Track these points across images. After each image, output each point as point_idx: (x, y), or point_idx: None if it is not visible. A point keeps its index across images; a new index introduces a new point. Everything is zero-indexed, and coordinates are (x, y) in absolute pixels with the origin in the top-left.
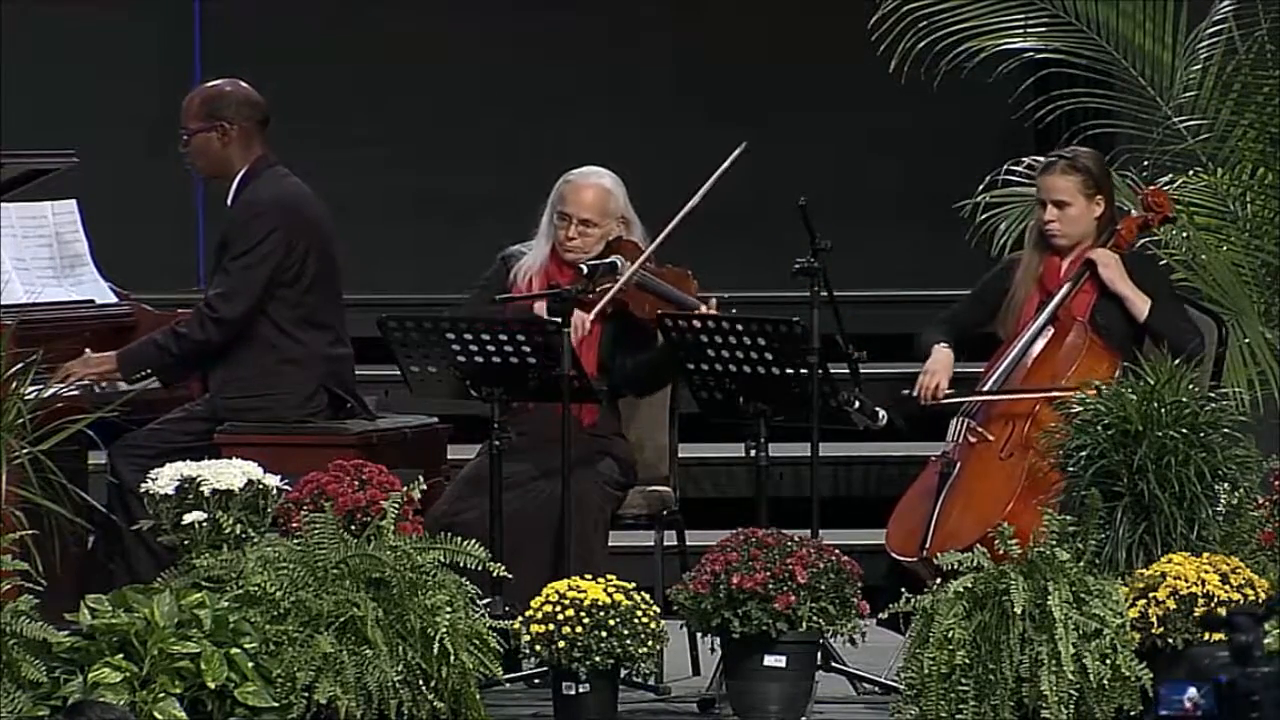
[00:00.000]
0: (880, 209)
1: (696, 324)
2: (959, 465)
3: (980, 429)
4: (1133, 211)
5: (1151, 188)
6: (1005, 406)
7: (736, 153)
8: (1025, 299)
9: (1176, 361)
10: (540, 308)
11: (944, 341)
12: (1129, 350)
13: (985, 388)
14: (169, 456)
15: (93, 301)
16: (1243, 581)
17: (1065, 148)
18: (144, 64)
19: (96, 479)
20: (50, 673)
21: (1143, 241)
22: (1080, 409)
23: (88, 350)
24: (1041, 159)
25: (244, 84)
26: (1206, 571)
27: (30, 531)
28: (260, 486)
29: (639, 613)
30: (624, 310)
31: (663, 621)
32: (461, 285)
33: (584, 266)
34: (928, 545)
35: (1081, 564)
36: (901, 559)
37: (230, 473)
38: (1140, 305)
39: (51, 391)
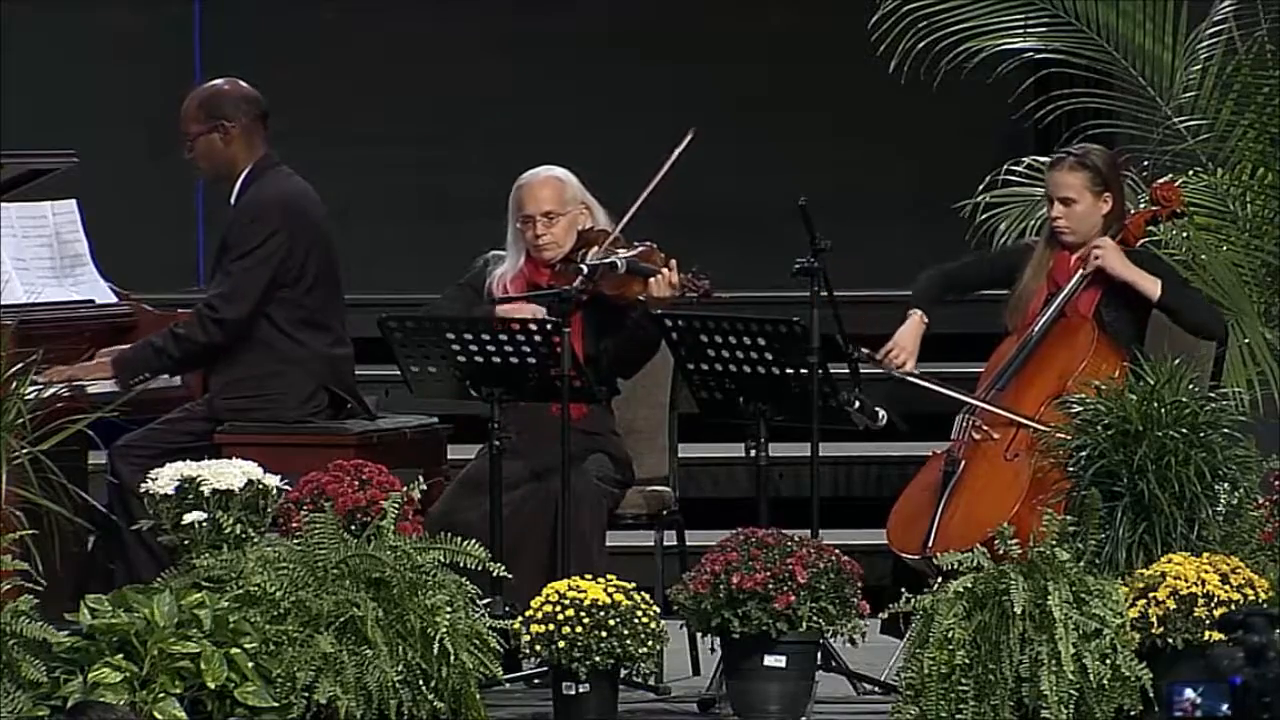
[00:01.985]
0: (880, 209)
1: (697, 324)
2: (963, 464)
3: (986, 427)
4: (1142, 205)
5: (1161, 181)
6: (1009, 405)
7: (687, 140)
8: (1035, 292)
9: (1178, 361)
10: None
11: (922, 307)
12: (1133, 349)
13: (989, 383)
14: (169, 456)
15: (93, 301)
16: (1243, 581)
17: (1075, 144)
18: (144, 64)
19: (96, 479)
20: (50, 673)
21: (1142, 242)
22: (1080, 409)
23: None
24: (1045, 158)
25: (241, 81)
26: (1206, 571)
27: (30, 531)
28: (260, 486)
29: (639, 613)
30: (598, 292)
31: (663, 621)
32: None
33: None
34: (930, 544)
35: (1081, 564)
36: (903, 555)
37: (230, 473)
38: (1151, 286)
39: (51, 391)
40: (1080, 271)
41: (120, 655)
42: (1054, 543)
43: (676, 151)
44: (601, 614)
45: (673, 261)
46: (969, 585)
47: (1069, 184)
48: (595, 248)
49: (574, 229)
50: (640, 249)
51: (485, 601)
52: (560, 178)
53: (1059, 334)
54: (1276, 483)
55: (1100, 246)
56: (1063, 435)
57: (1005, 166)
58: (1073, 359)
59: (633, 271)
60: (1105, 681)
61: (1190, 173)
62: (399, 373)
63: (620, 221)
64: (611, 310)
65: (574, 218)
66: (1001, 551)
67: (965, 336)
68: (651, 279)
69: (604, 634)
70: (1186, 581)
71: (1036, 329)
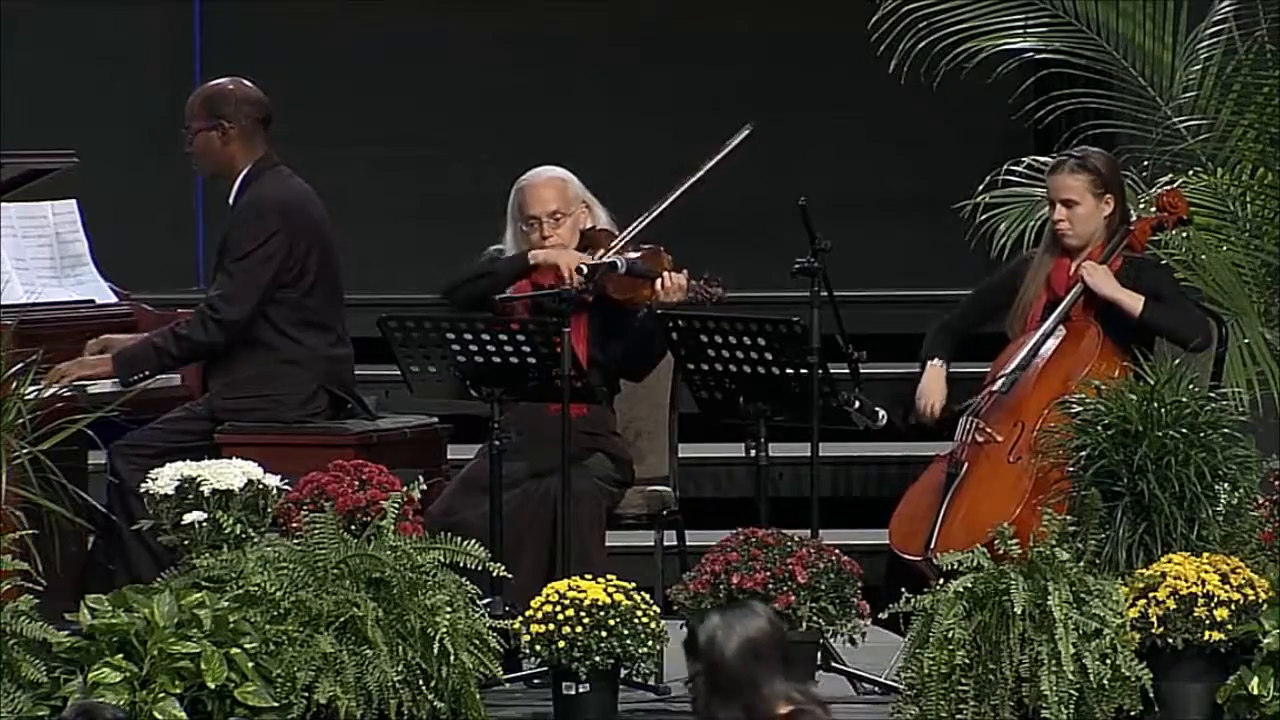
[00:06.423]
0: (880, 209)
1: (697, 324)
2: (966, 466)
3: (988, 429)
4: (1149, 212)
5: (1168, 188)
6: (1013, 407)
7: (744, 134)
8: (1034, 300)
9: (1178, 361)
10: None
11: (939, 357)
12: (1138, 350)
13: (994, 388)
14: (169, 456)
15: (93, 301)
16: (1243, 581)
17: (1076, 147)
18: (144, 64)
19: (96, 479)
20: (50, 673)
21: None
22: (1081, 409)
23: (86, 351)
24: (1045, 158)
25: (247, 83)
26: (1206, 571)
27: (30, 531)
28: (260, 486)
29: (639, 613)
30: (603, 294)
31: (663, 621)
32: None
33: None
34: (932, 545)
35: (1081, 564)
36: (904, 556)
37: (230, 473)
38: (1133, 304)
39: (51, 391)
40: (1078, 284)
41: (120, 655)
42: (1054, 543)
43: (730, 144)
44: (601, 614)
45: (683, 270)
46: (969, 585)
47: (1071, 187)
48: (599, 249)
49: (577, 229)
50: (646, 250)
51: (485, 601)
52: (562, 177)
53: (1065, 337)
54: (1276, 483)
55: (1086, 270)
56: (1061, 436)
57: (1005, 166)
58: (1078, 361)
59: (635, 273)
60: (1105, 681)
61: (1190, 173)
62: (399, 373)
63: (631, 220)
64: (618, 314)
65: (577, 217)
66: (1001, 551)
67: (972, 337)
68: (659, 282)
69: (604, 634)
70: (1186, 581)
71: (1038, 334)
